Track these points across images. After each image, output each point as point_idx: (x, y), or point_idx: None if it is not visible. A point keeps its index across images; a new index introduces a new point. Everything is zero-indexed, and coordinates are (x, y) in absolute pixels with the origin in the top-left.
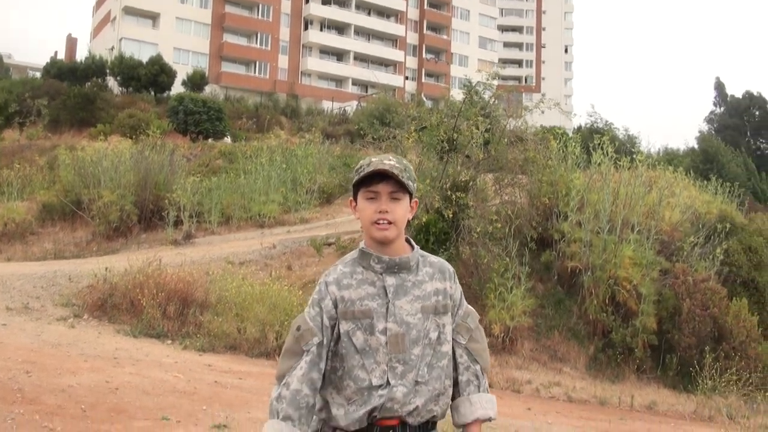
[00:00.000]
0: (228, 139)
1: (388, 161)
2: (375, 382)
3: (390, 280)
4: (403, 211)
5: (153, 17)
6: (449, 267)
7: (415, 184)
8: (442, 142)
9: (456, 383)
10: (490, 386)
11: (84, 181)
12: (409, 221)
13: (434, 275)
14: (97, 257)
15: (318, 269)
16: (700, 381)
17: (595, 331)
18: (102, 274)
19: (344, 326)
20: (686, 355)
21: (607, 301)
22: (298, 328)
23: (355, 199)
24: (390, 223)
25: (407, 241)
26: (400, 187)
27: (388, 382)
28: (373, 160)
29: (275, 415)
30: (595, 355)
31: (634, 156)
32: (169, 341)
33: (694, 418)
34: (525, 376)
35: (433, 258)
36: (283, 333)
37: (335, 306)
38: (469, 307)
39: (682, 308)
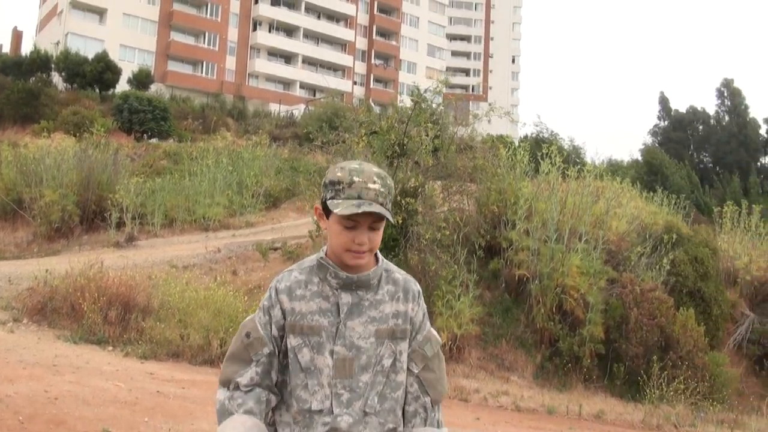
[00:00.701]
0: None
1: (373, 186)
2: (315, 406)
3: (345, 298)
4: (379, 238)
5: (100, 12)
6: (415, 287)
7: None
8: (393, 146)
9: (403, 413)
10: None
11: (26, 179)
12: None
13: (396, 295)
14: (37, 258)
15: (264, 274)
16: (647, 390)
17: (542, 340)
18: (42, 276)
19: (292, 341)
20: (633, 365)
21: (554, 309)
22: (248, 335)
23: (326, 212)
24: (365, 251)
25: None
26: (383, 217)
27: (331, 410)
28: (356, 179)
29: (232, 412)
30: (542, 364)
31: (582, 166)
32: (111, 348)
33: (642, 427)
34: (473, 384)
35: (398, 274)
36: (228, 340)
37: (284, 317)
38: (432, 332)
39: (629, 317)
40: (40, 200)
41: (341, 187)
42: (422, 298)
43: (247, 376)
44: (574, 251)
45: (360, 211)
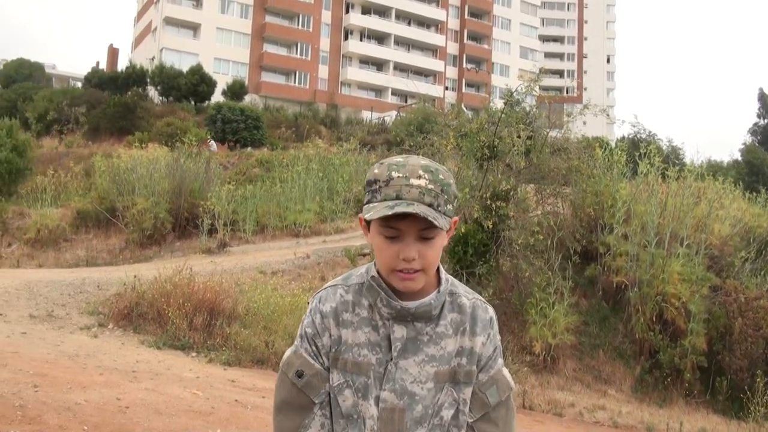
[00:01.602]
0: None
1: (417, 182)
2: None
3: (398, 331)
4: (436, 252)
5: (194, 27)
6: (485, 314)
7: (456, 200)
8: (483, 149)
9: None
10: (530, 408)
11: (119, 188)
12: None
13: (461, 327)
14: (129, 265)
15: None
16: (752, 407)
17: (641, 351)
18: (130, 282)
19: (333, 377)
20: (737, 379)
21: (654, 318)
22: (300, 374)
23: (367, 222)
24: (417, 271)
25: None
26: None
27: None
28: (395, 174)
29: None
30: (641, 377)
31: (682, 167)
32: (194, 354)
33: None
34: (567, 398)
35: (465, 299)
36: None
37: (331, 347)
38: (504, 372)
39: (733, 328)
40: (132, 208)
41: (377, 187)
42: (496, 327)
43: (316, 425)
44: (675, 256)
45: (392, 213)
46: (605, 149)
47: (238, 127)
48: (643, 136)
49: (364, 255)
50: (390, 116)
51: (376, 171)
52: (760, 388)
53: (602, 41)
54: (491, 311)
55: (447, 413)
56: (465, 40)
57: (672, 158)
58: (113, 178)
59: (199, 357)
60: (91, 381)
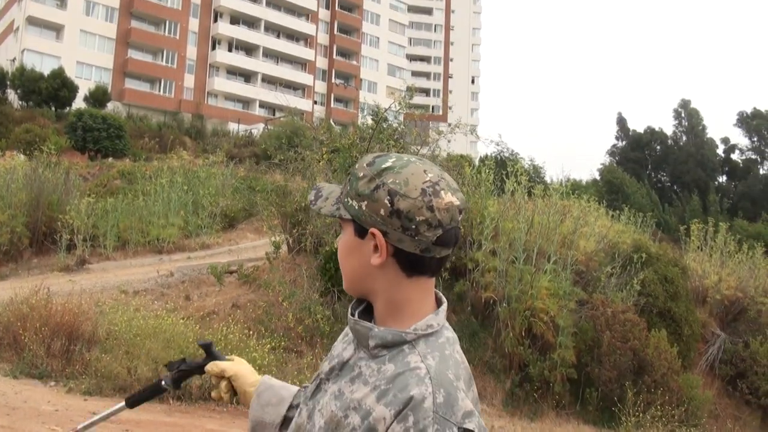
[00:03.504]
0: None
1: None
2: None
3: (341, 347)
4: (341, 248)
5: (57, 29)
6: (410, 394)
7: (363, 201)
8: (354, 164)
9: None
10: None
11: None
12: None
13: (377, 384)
14: None
15: (218, 299)
16: (623, 417)
17: (511, 365)
18: None
19: None
20: (607, 390)
21: (523, 333)
22: None
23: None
24: None
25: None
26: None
27: None
28: (456, 217)
29: None
30: (512, 391)
31: (547, 184)
32: (53, 383)
33: None
34: None
35: (401, 363)
36: None
37: None
38: None
39: (601, 341)
40: None
41: (442, 227)
42: (417, 417)
43: None
44: (543, 272)
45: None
46: (473, 167)
47: (99, 136)
48: (507, 154)
49: (231, 272)
50: (258, 129)
51: (448, 200)
52: (630, 398)
53: (467, 62)
54: (420, 393)
55: None
56: (334, 56)
57: (534, 177)
58: None
59: (58, 386)
60: None
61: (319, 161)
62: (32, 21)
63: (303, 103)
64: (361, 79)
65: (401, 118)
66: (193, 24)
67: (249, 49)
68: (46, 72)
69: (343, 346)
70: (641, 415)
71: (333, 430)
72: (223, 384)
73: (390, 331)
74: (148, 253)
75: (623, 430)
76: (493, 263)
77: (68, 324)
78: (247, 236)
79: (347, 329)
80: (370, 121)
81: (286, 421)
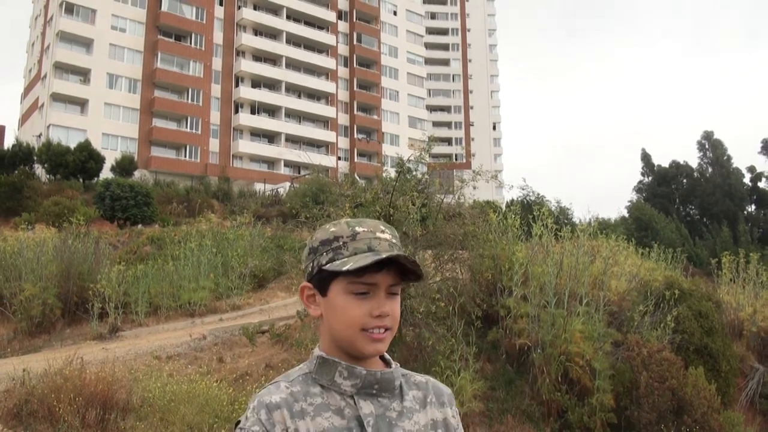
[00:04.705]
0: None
1: (383, 235)
2: None
3: (366, 407)
4: (399, 310)
5: (81, 103)
6: (446, 388)
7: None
8: (379, 217)
9: None
10: None
11: (5, 274)
12: None
13: (427, 401)
14: (17, 357)
15: (251, 360)
16: None
17: (549, 412)
18: (19, 377)
19: None
20: None
21: (560, 378)
22: None
23: (320, 287)
24: (387, 329)
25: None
26: (402, 276)
27: None
28: (359, 229)
29: None
30: None
31: (572, 227)
32: None
33: None
34: None
35: (419, 377)
36: None
37: None
38: None
39: (639, 382)
40: (20, 295)
41: (342, 243)
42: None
43: None
44: (575, 315)
45: (385, 257)
46: (498, 213)
47: (127, 204)
48: (532, 198)
49: (263, 332)
50: (284, 187)
51: (333, 230)
52: None
53: (487, 109)
54: (449, 389)
55: None
56: (355, 111)
57: (561, 219)
58: None
59: None
60: None
61: (343, 216)
62: (56, 97)
63: (327, 160)
64: (383, 133)
65: (425, 168)
66: (215, 90)
67: (271, 111)
68: (73, 145)
69: (348, 414)
70: None
71: None
72: None
73: (397, 368)
74: (179, 318)
75: None
76: (524, 309)
77: (102, 393)
78: (278, 295)
79: (298, 406)
80: (393, 174)
81: None
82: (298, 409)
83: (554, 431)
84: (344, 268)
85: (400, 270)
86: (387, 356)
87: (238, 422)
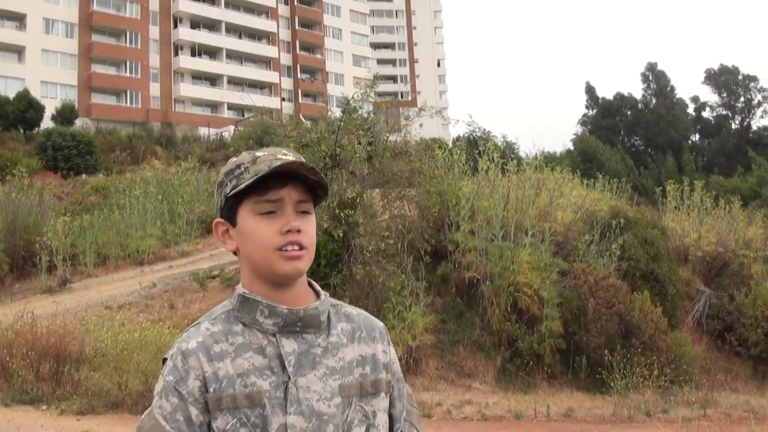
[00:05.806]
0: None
1: (286, 156)
2: None
3: (288, 345)
4: (314, 229)
5: (18, 51)
6: (378, 322)
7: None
8: (325, 158)
9: None
10: None
11: None
12: None
13: (356, 335)
14: None
15: (202, 305)
16: (613, 381)
17: (500, 342)
18: None
19: (219, 422)
20: (596, 356)
21: (509, 308)
22: None
23: (230, 218)
24: (302, 248)
25: (309, 284)
26: (310, 193)
27: None
28: (258, 154)
29: None
30: (503, 366)
31: (520, 160)
32: (45, 406)
33: (614, 420)
34: (434, 397)
35: (350, 309)
36: None
37: (205, 389)
38: (408, 390)
39: (587, 308)
40: None
41: (243, 169)
42: (389, 337)
43: None
44: (522, 246)
45: (279, 164)
46: (444, 150)
47: (70, 154)
48: (479, 134)
49: (214, 277)
50: (228, 131)
51: (234, 159)
52: (618, 362)
53: (431, 46)
54: (382, 324)
55: (359, 431)
56: (298, 51)
57: (508, 153)
58: None
59: (50, 409)
60: None
61: None
62: None
63: (271, 102)
64: (327, 72)
65: (370, 107)
66: (154, 32)
67: (212, 53)
68: (11, 95)
69: (270, 352)
70: (630, 377)
71: (355, 395)
72: None
73: (326, 300)
74: (129, 267)
75: (615, 393)
76: (472, 243)
77: (55, 346)
78: None
79: (218, 348)
80: (338, 114)
81: None
82: (217, 350)
83: (505, 359)
84: (243, 185)
85: (307, 187)
86: (317, 287)
87: (165, 359)
